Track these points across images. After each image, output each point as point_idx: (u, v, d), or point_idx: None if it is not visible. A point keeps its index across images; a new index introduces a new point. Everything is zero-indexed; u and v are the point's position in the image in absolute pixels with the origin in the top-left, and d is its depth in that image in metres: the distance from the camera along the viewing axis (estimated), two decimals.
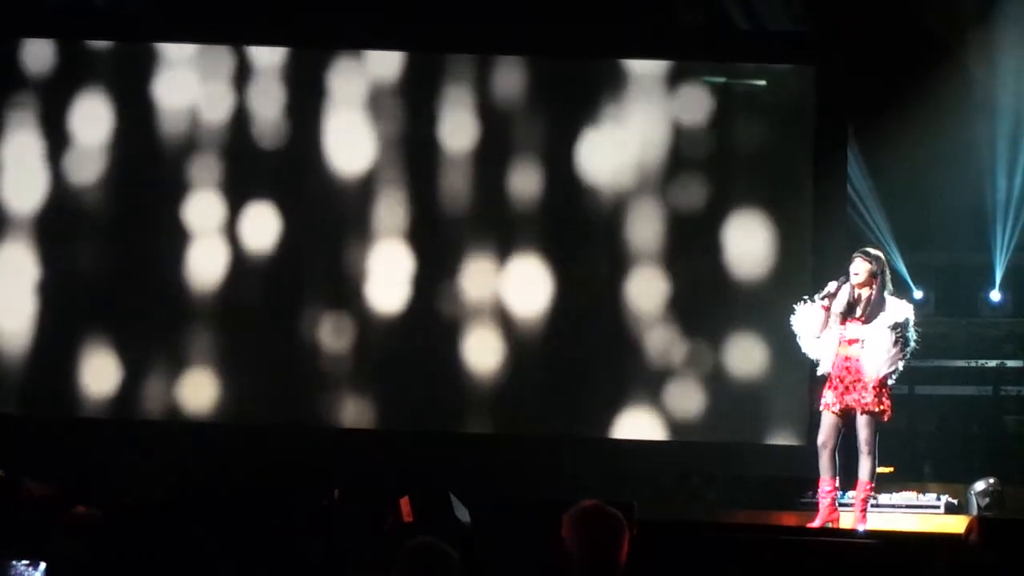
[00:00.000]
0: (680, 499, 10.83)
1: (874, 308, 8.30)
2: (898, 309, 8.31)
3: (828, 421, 8.35)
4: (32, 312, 11.34)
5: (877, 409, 8.26)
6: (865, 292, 8.32)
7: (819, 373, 8.42)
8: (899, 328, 8.24)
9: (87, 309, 11.30)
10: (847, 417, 8.33)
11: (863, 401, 8.26)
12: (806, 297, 8.41)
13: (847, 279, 8.32)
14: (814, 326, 8.34)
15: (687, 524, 8.03)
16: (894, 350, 8.24)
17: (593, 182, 11.26)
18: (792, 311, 8.46)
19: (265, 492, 6.98)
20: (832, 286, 8.32)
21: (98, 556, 5.07)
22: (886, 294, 8.36)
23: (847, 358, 8.30)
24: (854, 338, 8.31)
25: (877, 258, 8.37)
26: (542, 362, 11.16)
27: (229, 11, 11.58)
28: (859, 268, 8.32)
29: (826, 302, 8.29)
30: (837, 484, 8.39)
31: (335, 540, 6.13)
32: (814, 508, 8.57)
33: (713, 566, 6.33)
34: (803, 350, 8.46)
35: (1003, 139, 12.19)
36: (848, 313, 8.33)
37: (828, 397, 8.35)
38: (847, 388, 8.29)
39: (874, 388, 8.25)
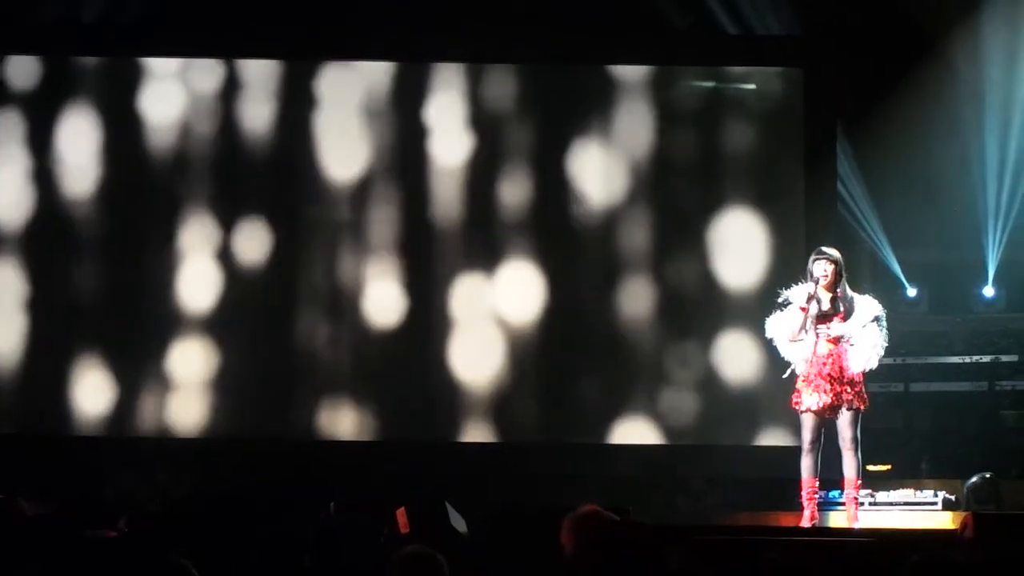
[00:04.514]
0: (678, 504, 10.83)
1: (848, 304, 8.36)
2: (870, 302, 8.39)
3: (812, 422, 8.39)
4: (23, 330, 11.34)
5: (861, 405, 8.33)
6: (830, 292, 8.36)
7: (798, 374, 8.43)
8: (878, 320, 8.32)
9: (79, 326, 11.30)
10: (827, 416, 8.37)
11: (848, 397, 8.30)
12: (783, 296, 8.41)
13: (816, 282, 8.34)
14: (791, 330, 8.37)
15: (682, 527, 8.04)
16: (879, 342, 8.31)
17: (584, 188, 11.29)
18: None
19: (261, 506, 6.99)
20: (806, 288, 8.33)
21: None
22: (848, 290, 8.42)
23: (829, 355, 8.34)
24: (836, 336, 8.34)
25: (836, 258, 8.42)
26: (536, 369, 11.19)
27: (217, 24, 11.58)
28: (826, 269, 8.36)
29: (805, 304, 8.31)
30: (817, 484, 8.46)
31: (331, 553, 6.13)
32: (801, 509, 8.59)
33: (710, 569, 6.33)
34: (782, 354, 8.49)
35: (992, 134, 12.21)
36: (821, 313, 8.36)
37: (809, 399, 8.36)
38: (832, 386, 8.32)
39: (857, 383, 8.32)
